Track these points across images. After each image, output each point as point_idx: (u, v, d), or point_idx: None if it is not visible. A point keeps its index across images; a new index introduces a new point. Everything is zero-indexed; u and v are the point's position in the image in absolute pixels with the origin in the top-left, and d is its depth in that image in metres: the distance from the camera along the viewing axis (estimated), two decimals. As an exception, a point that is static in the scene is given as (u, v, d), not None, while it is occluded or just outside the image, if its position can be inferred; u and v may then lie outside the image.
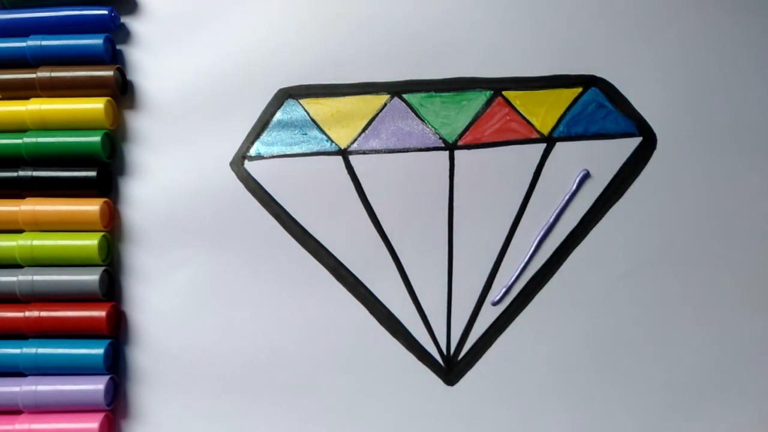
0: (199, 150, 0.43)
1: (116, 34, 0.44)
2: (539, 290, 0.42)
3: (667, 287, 0.42)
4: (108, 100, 0.42)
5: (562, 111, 0.43)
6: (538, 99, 0.43)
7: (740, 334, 0.42)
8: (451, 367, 0.41)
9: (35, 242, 0.40)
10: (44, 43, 0.42)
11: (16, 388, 0.39)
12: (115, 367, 0.41)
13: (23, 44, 0.42)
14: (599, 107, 0.43)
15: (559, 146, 0.42)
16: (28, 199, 0.41)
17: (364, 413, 0.41)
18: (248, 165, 0.42)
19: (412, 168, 0.42)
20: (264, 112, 0.43)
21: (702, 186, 0.42)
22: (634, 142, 0.43)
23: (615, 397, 0.41)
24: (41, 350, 0.40)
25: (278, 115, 0.43)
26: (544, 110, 0.43)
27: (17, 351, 0.40)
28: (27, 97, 0.42)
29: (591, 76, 0.43)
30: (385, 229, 0.42)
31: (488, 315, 0.42)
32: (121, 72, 0.43)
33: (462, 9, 0.44)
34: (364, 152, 0.43)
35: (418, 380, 0.41)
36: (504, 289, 0.42)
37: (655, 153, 0.42)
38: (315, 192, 0.42)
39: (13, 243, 0.40)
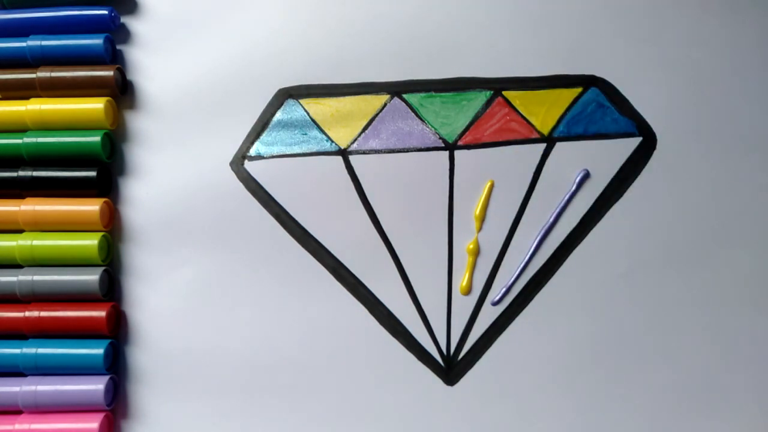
0: (199, 150, 0.43)
1: (116, 34, 0.44)
2: (539, 290, 0.42)
3: (667, 287, 0.42)
4: (108, 100, 0.42)
5: (562, 111, 0.43)
6: (538, 99, 0.43)
7: (740, 334, 0.42)
8: (451, 367, 0.41)
9: (35, 242, 0.40)
10: (44, 43, 0.42)
11: (16, 388, 0.39)
12: (115, 367, 0.41)
13: (23, 44, 0.42)
14: (599, 107, 0.43)
15: (559, 146, 0.42)
16: (28, 199, 0.41)
17: (364, 413, 0.41)
18: (248, 165, 0.42)
19: (412, 168, 0.42)
20: (264, 112, 0.43)
21: (702, 186, 0.42)
22: (634, 142, 0.43)
23: (615, 396, 0.41)
24: (41, 350, 0.40)
25: (278, 115, 0.43)
26: (544, 110, 0.43)
27: (17, 351, 0.40)
28: (27, 97, 0.42)
29: (591, 76, 0.43)
30: (385, 229, 0.42)
31: (488, 315, 0.42)
32: (121, 72, 0.43)
33: (462, 9, 0.44)
34: (364, 152, 0.43)
35: (418, 380, 0.41)
36: (504, 289, 0.42)
37: (655, 153, 0.43)
38: (315, 192, 0.42)
39: (13, 243, 0.40)
